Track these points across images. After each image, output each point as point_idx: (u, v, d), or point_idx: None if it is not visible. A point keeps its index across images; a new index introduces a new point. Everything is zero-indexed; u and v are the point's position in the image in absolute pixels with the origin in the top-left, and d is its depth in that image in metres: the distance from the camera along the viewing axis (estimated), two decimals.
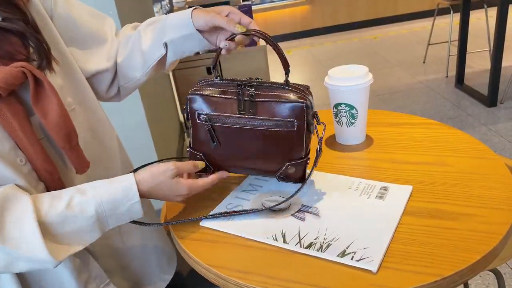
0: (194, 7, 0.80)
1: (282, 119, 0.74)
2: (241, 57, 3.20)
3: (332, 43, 5.21)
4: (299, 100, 0.73)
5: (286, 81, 0.77)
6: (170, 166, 0.74)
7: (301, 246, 0.69)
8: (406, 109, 3.25)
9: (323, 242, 0.69)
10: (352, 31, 5.59)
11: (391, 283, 0.61)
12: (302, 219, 0.76)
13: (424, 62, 4.13)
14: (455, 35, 3.53)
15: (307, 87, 0.78)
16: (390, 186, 0.81)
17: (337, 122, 0.97)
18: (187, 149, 0.83)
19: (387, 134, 1.01)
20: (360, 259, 0.65)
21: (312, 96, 0.78)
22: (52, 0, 0.78)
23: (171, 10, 4.96)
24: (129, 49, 0.88)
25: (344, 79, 0.91)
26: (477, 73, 3.70)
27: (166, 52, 0.84)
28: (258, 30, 0.77)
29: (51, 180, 0.71)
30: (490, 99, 3.09)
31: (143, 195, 0.72)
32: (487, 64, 3.76)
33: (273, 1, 5.47)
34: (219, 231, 0.76)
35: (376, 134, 1.01)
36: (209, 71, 3.21)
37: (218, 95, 0.77)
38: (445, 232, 0.68)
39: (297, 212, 0.78)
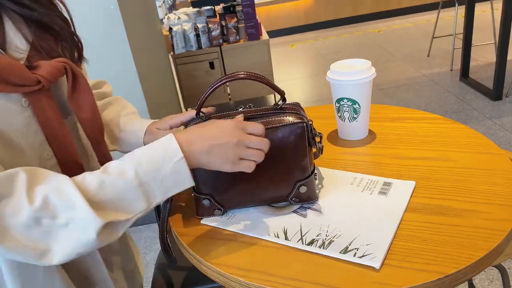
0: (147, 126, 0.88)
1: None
2: (244, 51, 3.19)
3: (336, 37, 5.18)
4: (298, 121, 0.72)
5: (276, 104, 0.76)
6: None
7: (303, 243, 0.69)
8: (410, 102, 3.23)
9: (325, 239, 0.69)
10: (356, 25, 5.55)
11: (394, 281, 0.60)
12: (304, 216, 0.75)
13: (428, 56, 4.10)
14: (460, 28, 3.50)
15: (298, 104, 0.78)
16: (393, 182, 0.80)
17: (339, 117, 0.96)
18: (192, 194, 0.78)
19: (390, 129, 1.00)
20: (363, 256, 0.64)
21: (303, 110, 0.77)
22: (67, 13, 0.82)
23: (173, 4, 4.95)
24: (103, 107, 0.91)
25: (346, 74, 0.90)
26: (482, 66, 3.67)
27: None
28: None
29: (77, 174, 0.71)
30: (496, 93, 3.07)
31: (187, 150, 0.63)
32: (492, 57, 3.73)
33: None
34: (220, 228, 0.76)
35: (379, 129, 1.00)
36: (211, 65, 3.19)
37: None
38: (448, 229, 0.68)
39: (299, 208, 0.77)
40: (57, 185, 0.58)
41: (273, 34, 5.24)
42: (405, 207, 0.73)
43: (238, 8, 3.21)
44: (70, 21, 0.75)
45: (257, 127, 0.68)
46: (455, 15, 3.64)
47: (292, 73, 4.26)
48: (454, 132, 0.94)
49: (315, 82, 3.95)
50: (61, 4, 0.75)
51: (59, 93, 0.73)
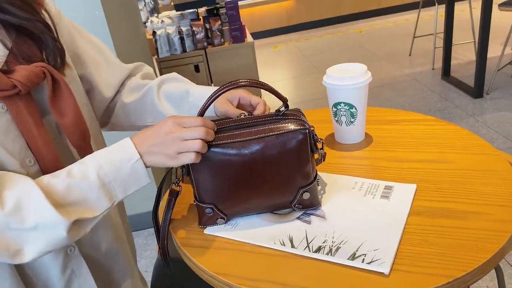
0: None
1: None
2: (229, 54, 3.18)
3: (318, 37, 5.21)
4: (300, 128, 0.72)
5: (278, 110, 0.75)
6: None
7: (310, 251, 0.68)
8: (394, 102, 3.27)
9: (332, 246, 0.69)
10: (337, 25, 5.59)
11: (404, 286, 0.60)
12: (309, 222, 0.75)
13: (410, 55, 4.16)
14: (440, 27, 3.56)
15: (299, 110, 0.78)
16: (394, 185, 0.81)
17: (337, 121, 0.96)
18: (194, 202, 0.77)
19: (386, 132, 1.01)
20: (371, 262, 0.64)
21: (304, 116, 0.77)
22: (58, 15, 0.80)
23: (155, 7, 4.90)
24: (141, 98, 0.91)
25: (343, 78, 0.90)
26: (463, 64, 3.74)
27: None
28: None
29: None
30: (477, 91, 3.13)
31: (142, 152, 0.68)
32: (472, 56, 3.80)
33: None
34: (224, 238, 0.75)
35: (375, 132, 1.01)
36: (196, 68, 3.18)
37: None
38: (453, 232, 0.68)
39: (302, 215, 0.77)
40: (23, 190, 0.62)
41: (256, 36, 5.23)
42: (408, 210, 0.74)
43: (222, 11, 3.20)
44: (52, 26, 0.74)
45: (193, 119, 0.70)
46: (435, 15, 3.70)
47: (276, 75, 4.27)
48: (449, 134, 0.95)
49: (299, 83, 3.96)
50: (43, 11, 0.74)
51: (42, 100, 0.72)
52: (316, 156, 0.77)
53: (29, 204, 0.61)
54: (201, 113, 0.75)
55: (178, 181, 0.77)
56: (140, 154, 0.68)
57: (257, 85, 0.73)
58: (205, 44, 3.15)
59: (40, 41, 0.71)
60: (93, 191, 0.65)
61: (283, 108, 0.75)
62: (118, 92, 0.94)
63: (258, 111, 0.81)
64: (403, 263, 0.64)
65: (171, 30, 3.05)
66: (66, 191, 0.63)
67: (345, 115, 0.94)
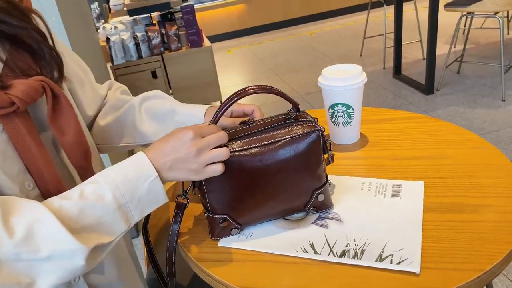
0: (209, 106, 0.84)
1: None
2: (186, 59, 3.12)
3: (271, 41, 5.25)
4: (313, 129, 0.71)
5: (288, 114, 0.74)
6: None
7: (334, 255, 0.67)
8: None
9: (356, 248, 0.68)
10: (288, 28, 5.67)
11: (436, 284, 0.60)
12: (326, 226, 0.73)
13: (361, 56, 4.29)
14: (387, 28, 3.70)
15: (304, 111, 0.77)
16: (402, 183, 0.81)
17: (333, 122, 0.96)
18: (205, 215, 0.74)
19: (379, 131, 1.02)
20: (400, 262, 0.64)
21: (311, 116, 0.76)
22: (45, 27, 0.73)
23: (101, 13, 4.73)
24: (120, 116, 0.86)
25: (341, 79, 0.90)
26: (412, 63, 3.91)
27: None
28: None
29: None
30: (428, 87, 3.28)
31: (159, 168, 0.63)
32: (419, 54, 3.98)
33: (209, 1, 5.41)
34: (241, 249, 0.72)
35: (368, 131, 1.02)
36: (154, 75, 3.09)
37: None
38: (470, 226, 0.69)
39: (317, 219, 0.75)
40: (34, 215, 0.55)
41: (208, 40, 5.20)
42: (422, 208, 0.74)
43: (177, 15, 3.13)
44: (48, 34, 0.69)
45: (210, 127, 0.67)
46: (384, 16, 3.84)
47: (233, 79, 4.25)
48: (442, 130, 0.98)
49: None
50: (36, 17, 0.68)
51: (38, 115, 0.66)
52: (325, 156, 0.76)
53: (42, 230, 0.55)
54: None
55: (185, 193, 0.73)
56: (158, 170, 0.63)
57: (266, 91, 0.71)
58: (162, 49, 3.07)
59: (35, 52, 0.65)
60: (109, 213, 0.60)
61: (292, 112, 0.74)
62: (98, 112, 0.89)
63: (256, 118, 0.79)
64: (430, 261, 0.64)
65: (126, 36, 2.95)
66: (80, 214, 0.58)
67: (342, 116, 0.94)
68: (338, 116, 0.94)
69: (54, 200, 0.58)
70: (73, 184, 0.72)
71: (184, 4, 3.11)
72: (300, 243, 0.71)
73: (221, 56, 4.90)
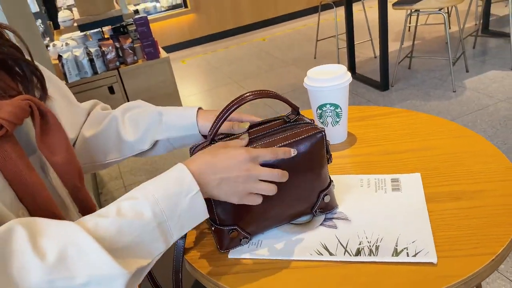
0: (197, 108, 0.81)
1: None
2: (144, 72, 3.05)
3: (224, 49, 5.25)
4: (316, 131, 0.71)
5: (287, 117, 0.75)
6: (218, 143, 0.66)
7: (350, 255, 0.67)
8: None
9: (370, 245, 0.68)
10: (240, 36, 5.69)
11: (455, 271, 0.62)
12: (335, 227, 0.73)
13: (315, 58, 4.37)
14: (339, 29, 3.80)
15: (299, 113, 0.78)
16: (399, 177, 0.83)
17: (322, 123, 0.96)
18: (211, 228, 0.71)
19: (364, 128, 1.03)
20: (416, 254, 0.65)
21: (308, 118, 0.77)
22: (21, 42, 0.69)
23: (46, 30, 4.53)
24: (102, 127, 0.82)
25: (327, 80, 0.91)
26: (364, 61, 4.04)
27: (151, 147, 0.83)
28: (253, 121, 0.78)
29: None
30: (383, 84, 3.39)
31: (199, 182, 0.58)
32: (371, 53, 4.12)
33: (158, 12, 5.34)
34: (253, 259, 0.70)
35: (354, 129, 1.03)
36: (111, 90, 3.00)
37: None
38: (472, 212, 0.72)
39: (325, 221, 0.75)
40: (67, 235, 0.50)
41: None
42: (424, 198, 0.76)
43: (131, 28, 3.06)
44: (26, 49, 0.65)
45: (268, 153, 0.65)
46: (334, 17, 3.94)
47: (191, 88, 4.20)
48: (424, 122, 1.01)
49: (216, 94, 3.94)
50: (9, 33, 0.64)
51: (22, 137, 0.62)
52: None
53: (78, 253, 0.49)
54: (212, 137, 0.70)
55: None
56: (200, 185, 0.59)
57: (263, 95, 0.70)
58: (117, 63, 2.99)
59: (12, 69, 0.61)
60: (148, 232, 0.55)
61: (292, 115, 0.74)
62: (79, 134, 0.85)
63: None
64: (443, 250, 0.65)
65: (79, 52, 2.85)
66: (118, 233, 0.53)
67: (331, 116, 0.94)
68: (327, 116, 0.95)
69: (87, 219, 0.53)
70: (65, 207, 0.67)
71: (137, 16, 3.04)
72: (313, 246, 0.70)
73: (176, 67, 4.83)
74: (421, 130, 0.98)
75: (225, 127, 0.77)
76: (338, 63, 4.01)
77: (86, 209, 0.66)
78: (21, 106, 0.56)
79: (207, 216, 0.61)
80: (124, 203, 0.55)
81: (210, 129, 0.69)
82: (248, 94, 0.68)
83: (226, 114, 0.68)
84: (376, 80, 3.46)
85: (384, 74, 3.35)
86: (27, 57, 0.65)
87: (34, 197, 0.58)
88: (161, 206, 0.56)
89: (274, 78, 4.05)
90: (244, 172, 0.61)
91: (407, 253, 0.65)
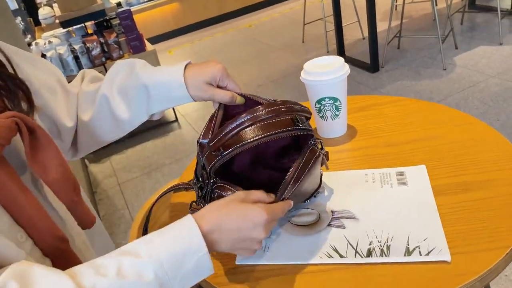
0: (185, 63, 0.75)
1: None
2: None
3: (210, 37, 5.17)
4: (319, 152, 0.70)
5: (297, 121, 0.69)
6: (235, 193, 0.62)
7: (361, 256, 0.65)
8: (302, 89, 3.37)
9: (381, 245, 0.66)
10: (226, 23, 5.61)
11: (470, 268, 0.60)
12: (343, 227, 0.72)
13: (303, 42, 4.33)
14: (326, 12, 3.75)
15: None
16: (405, 170, 0.81)
17: (321, 117, 0.94)
18: None
19: (363, 119, 1.01)
20: (429, 252, 0.63)
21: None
22: (1, 53, 0.65)
23: (27, 28, 4.42)
24: (96, 109, 0.77)
25: (326, 73, 0.88)
26: (352, 43, 4.00)
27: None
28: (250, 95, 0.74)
29: (60, 251, 0.57)
30: (373, 66, 3.37)
31: (210, 241, 0.56)
32: (359, 34, 4.08)
33: (141, 3, 5.23)
34: (261, 265, 0.68)
35: (353, 121, 1.01)
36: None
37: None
38: (482, 203, 0.70)
39: (332, 221, 0.73)
40: None
41: None
42: (432, 192, 0.74)
43: (115, 22, 2.99)
44: (7, 61, 0.61)
45: (281, 214, 0.64)
46: (321, 0, 3.89)
47: None
48: (424, 110, 0.99)
49: None
50: None
51: (13, 155, 0.59)
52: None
53: None
54: (219, 145, 0.65)
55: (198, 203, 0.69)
56: (210, 243, 0.56)
57: (276, 112, 0.64)
58: (103, 59, 2.93)
59: None
60: None
61: (303, 119, 0.70)
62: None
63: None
64: (456, 246, 0.64)
65: (63, 50, 2.78)
66: None
67: (330, 110, 0.92)
68: (326, 110, 0.92)
69: (85, 275, 0.49)
70: (63, 222, 0.64)
71: (120, 9, 2.97)
72: (322, 248, 0.68)
73: (162, 58, 4.75)
74: (422, 119, 0.96)
75: (224, 97, 0.73)
76: (327, 46, 3.97)
77: (85, 221, 0.64)
78: (6, 125, 0.53)
79: (213, 272, 0.57)
80: (125, 261, 0.51)
81: (214, 140, 0.65)
82: (260, 110, 0.63)
83: (238, 129, 0.63)
84: (366, 62, 3.43)
85: (374, 55, 3.32)
86: (10, 70, 0.61)
87: (31, 218, 0.55)
88: (165, 267, 0.52)
89: (263, 64, 4.00)
90: (262, 235, 0.59)
91: (420, 252, 0.64)
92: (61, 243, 0.57)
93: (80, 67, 2.84)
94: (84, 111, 0.77)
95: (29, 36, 4.36)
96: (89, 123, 0.77)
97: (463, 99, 2.74)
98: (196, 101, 0.75)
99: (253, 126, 0.62)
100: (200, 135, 0.69)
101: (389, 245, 0.66)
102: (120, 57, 2.96)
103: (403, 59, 3.47)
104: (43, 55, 2.74)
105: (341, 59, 0.91)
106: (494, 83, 2.84)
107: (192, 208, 0.69)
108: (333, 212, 0.75)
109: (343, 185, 0.81)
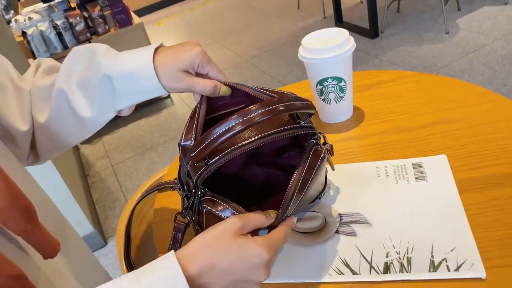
0: (156, 46, 0.61)
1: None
2: (118, 41, 2.83)
3: (202, 5, 4.95)
4: (324, 156, 0.58)
5: (297, 121, 0.57)
6: (230, 222, 0.49)
7: (378, 273, 0.55)
8: (299, 58, 3.23)
9: (401, 258, 0.56)
10: None
11: (507, 286, 0.50)
12: (354, 234, 0.61)
13: (298, 8, 4.13)
14: None
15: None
16: (422, 161, 0.70)
17: (323, 100, 0.82)
18: None
19: (372, 99, 0.89)
20: (458, 267, 0.53)
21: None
22: None
23: (9, 3, 4.21)
24: (53, 108, 0.63)
25: (328, 50, 0.75)
26: (350, 8, 3.82)
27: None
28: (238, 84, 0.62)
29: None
30: (372, 31, 3.21)
31: (198, 286, 0.46)
32: None
33: None
34: (267, 283, 0.58)
35: (359, 102, 0.89)
36: None
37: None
38: None
39: (341, 226, 0.63)
40: None
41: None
42: (456, 188, 0.64)
43: None
44: None
45: (283, 242, 0.52)
46: None
47: None
48: (441, 86, 0.87)
49: None
50: None
51: None
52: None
53: None
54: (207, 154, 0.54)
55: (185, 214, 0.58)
56: (196, 286, 0.45)
57: (271, 113, 0.52)
58: (88, 35, 2.76)
59: None
60: None
61: (307, 118, 0.58)
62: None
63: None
64: (490, 257, 0.54)
65: (44, 26, 2.61)
66: None
67: (333, 91, 0.80)
68: (329, 92, 0.80)
69: None
70: (23, 254, 0.53)
71: None
72: (331, 262, 0.58)
73: (152, 31, 4.56)
74: (439, 97, 0.84)
75: (205, 87, 0.60)
76: (324, 11, 3.79)
77: (46, 250, 0.53)
78: None
79: None
80: None
81: (196, 150, 0.52)
82: (254, 111, 0.50)
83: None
84: (365, 28, 3.27)
85: (373, 20, 3.16)
86: None
87: None
88: None
89: (257, 33, 3.83)
90: (254, 278, 0.47)
91: (447, 266, 0.53)
92: (15, 281, 0.46)
93: (64, 44, 2.69)
94: (40, 111, 0.64)
95: (12, 11, 4.16)
96: (46, 125, 0.64)
97: (467, 64, 2.61)
98: (171, 93, 0.62)
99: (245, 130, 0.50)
100: (182, 135, 0.57)
101: (410, 258, 0.56)
102: (106, 32, 2.79)
103: (403, 23, 3.30)
104: (24, 33, 2.58)
105: (345, 32, 0.79)
106: (500, 46, 2.70)
107: (177, 221, 0.58)
108: (341, 215, 0.64)
109: (351, 181, 0.70)
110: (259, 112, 0.49)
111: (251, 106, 0.49)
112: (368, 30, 3.23)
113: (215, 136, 0.49)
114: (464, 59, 2.68)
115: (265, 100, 0.51)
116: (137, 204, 0.77)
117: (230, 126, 0.48)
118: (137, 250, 0.94)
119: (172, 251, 0.45)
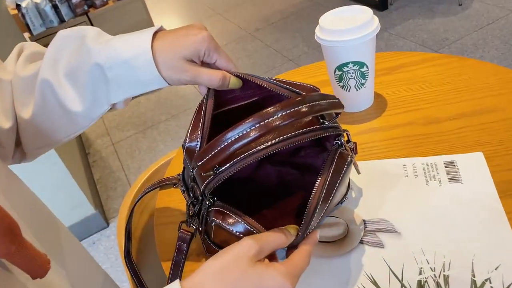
0: (154, 30, 0.52)
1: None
2: (117, 14, 2.72)
3: None
4: (350, 159, 0.51)
5: (324, 118, 0.49)
6: (245, 246, 0.42)
7: None
8: (305, 32, 3.11)
9: (436, 276, 0.49)
10: None
11: None
12: (381, 245, 0.54)
13: None
14: None
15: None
16: (455, 158, 0.62)
17: (342, 87, 0.74)
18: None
19: (394, 85, 0.81)
20: None
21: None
22: None
23: None
24: (38, 101, 0.55)
25: (348, 31, 0.67)
26: None
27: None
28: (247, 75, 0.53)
29: None
30: (382, 3, 3.08)
31: None
32: None
33: None
34: None
35: (381, 88, 0.81)
36: None
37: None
38: None
39: (365, 236, 0.56)
40: None
41: None
42: (496, 192, 0.56)
43: None
44: None
45: (306, 265, 0.46)
46: None
47: (170, 26, 3.82)
48: (473, 70, 0.78)
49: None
50: None
51: None
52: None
53: None
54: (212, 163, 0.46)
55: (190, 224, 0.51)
56: None
57: (295, 115, 0.44)
58: (86, 7, 2.65)
59: None
60: None
61: (334, 119, 0.51)
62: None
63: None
64: None
65: None
66: None
67: (354, 78, 0.72)
68: (349, 79, 0.72)
69: None
70: (8, 272, 0.46)
71: None
72: (356, 278, 0.51)
73: (152, 3, 4.41)
74: (471, 83, 0.75)
75: (212, 79, 0.52)
76: None
77: (35, 270, 0.46)
78: None
79: None
80: None
81: (203, 159, 0.44)
82: (273, 113, 0.42)
83: (236, 145, 0.43)
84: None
85: None
86: None
87: None
88: None
89: (261, 4, 3.68)
90: None
91: (491, 287, 0.47)
92: None
93: (60, 17, 2.58)
94: (23, 105, 0.56)
95: None
96: (32, 121, 0.56)
97: (481, 38, 2.50)
98: (172, 85, 0.54)
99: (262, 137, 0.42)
100: (186, 135, 0.50)
101: (447, 276, 0.49)
102: (104, 4, 2.68)
103: None
104: (18, 5, 2.47)
105: (369, 11, 0.70)
106: None
107: (182, 231, 0.51)
108: (365, 222, 0.57)
109: (375, 182, 0.62)
110: (279, 115, 0.41)
111: (269, 108, 0.41)
112: (377, 2, 3.09)
113: (226, 143, 0.41)
114: (477, 32, 2.56)
115: (285, 101, 0.42)
116: (136, 203, 0.70)
117: (244, 132, 0.40)
118: (138, 242, 0.88)
119: (177, 281, 0.39)
